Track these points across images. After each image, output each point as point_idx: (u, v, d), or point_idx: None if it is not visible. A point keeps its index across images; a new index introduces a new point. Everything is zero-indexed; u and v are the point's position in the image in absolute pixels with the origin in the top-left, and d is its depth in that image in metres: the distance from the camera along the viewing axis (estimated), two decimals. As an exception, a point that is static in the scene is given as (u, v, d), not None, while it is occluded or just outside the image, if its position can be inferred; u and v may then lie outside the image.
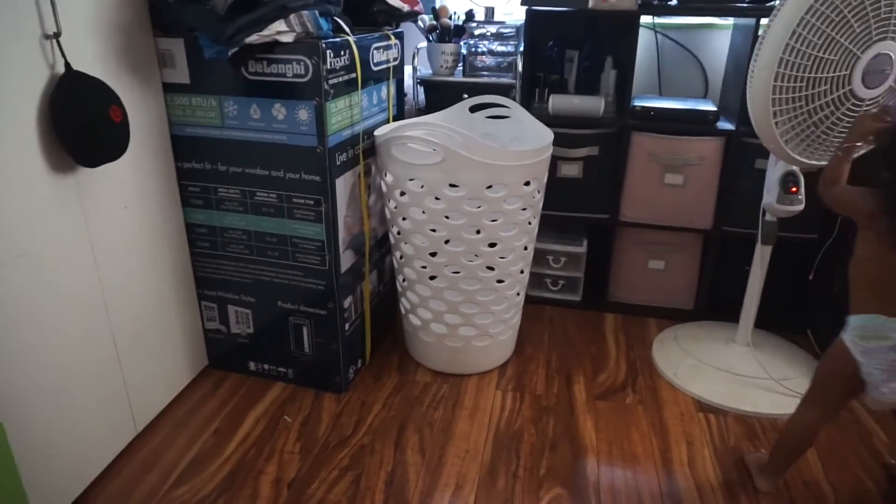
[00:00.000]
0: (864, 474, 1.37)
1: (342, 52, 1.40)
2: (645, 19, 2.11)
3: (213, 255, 1.57)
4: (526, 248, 1.64)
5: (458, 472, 1.34)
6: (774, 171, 1.59)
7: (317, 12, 1.40)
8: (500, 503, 1.27)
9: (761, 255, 1.67)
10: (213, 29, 1.28)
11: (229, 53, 1.28)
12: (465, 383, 1.65)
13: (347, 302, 1.58)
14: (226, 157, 1.46)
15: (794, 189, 1.58)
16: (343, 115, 1.45)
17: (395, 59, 1.73)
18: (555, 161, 1.90)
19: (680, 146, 1.84)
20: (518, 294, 1.69)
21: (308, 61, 1.32)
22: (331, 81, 1.37)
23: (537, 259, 2.04)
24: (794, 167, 1.54)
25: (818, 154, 1.40)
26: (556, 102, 1.92)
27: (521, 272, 1.66)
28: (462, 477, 1.33)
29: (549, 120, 1.85)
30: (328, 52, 1.34)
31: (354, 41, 1.45)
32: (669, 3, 1.88)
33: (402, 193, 1.54)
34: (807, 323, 1.92)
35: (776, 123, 1.31)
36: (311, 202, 1.45)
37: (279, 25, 1.32)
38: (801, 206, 1.58)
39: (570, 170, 1.93)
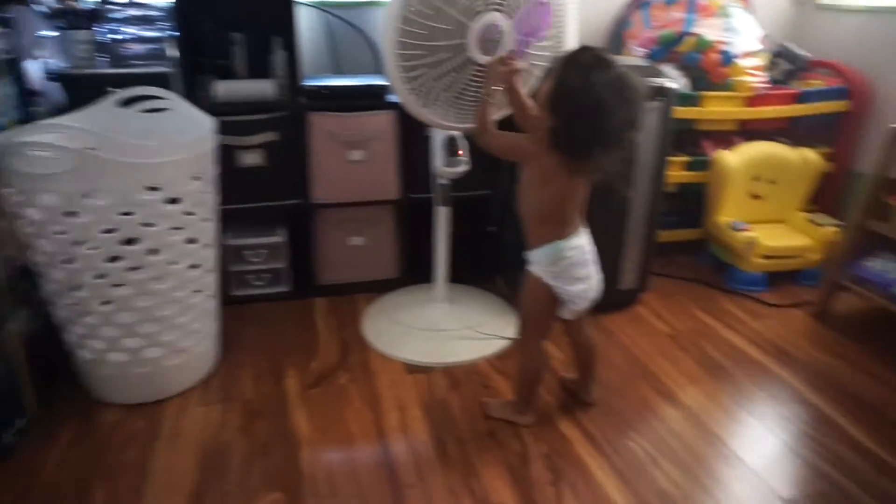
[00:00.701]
0: (544, 390, 1.56)
1: None
2: (309, -2, 2.08)
3: None
4: (207, 248, 1.51)
5: (159, 512, 1.20)
6: (437, 137, 1.70)
7: None
8: (212, 529, 1.17)
9: (441, 216, 1.79)
10: None
11: None
12: (163, 409, 1.48)
13: (-13, 353, 1.29)
14: None
15: (458, 152, 1.71)
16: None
17: (6, 52, 1.43)
18: (231, 151, 1.79)
19: (356, 122, 1.86)
20: (208, 298, 1.56)
21: None
22: None
23: (236, 257, 1.92)
24: (454, 132, 1.66)
25: (460, 117, 1.51)
26: (223, 89, 1.80)
27: (207, 274, 1.53)
28: (165, 515, 1.20)
29: (219, 109, 1.72)
30: None
31: (-79, 31, 1.15)
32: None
33: (37, 211, 1.29)
34: (496, 270, 2.14)
35: (410, 90, 1.38)
36: None
37: None
38: (466, 167, 1.72)
39: (252, 158, 1.84)
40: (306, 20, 2.13)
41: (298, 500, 1.24)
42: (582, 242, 1.35)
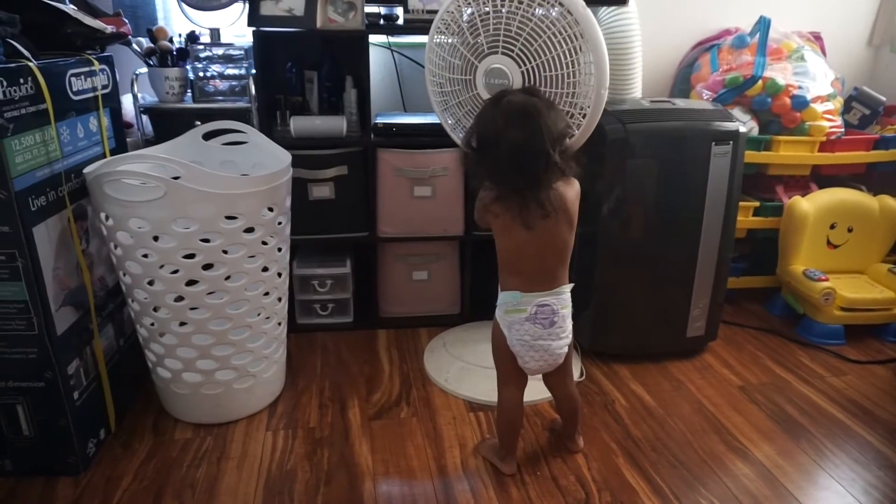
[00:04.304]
0: (609, 438, 1.51)
1: (22, 80, 1.20)
2: (381, 38, 2.16)
3: None
4: (280, 276, 1.56)
5: (224, 535, 1.22)
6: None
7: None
8: (274, 556, 1.17)
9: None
10: None
11: None
12: (231, 431, 1.51)
13: (73, 367, 1.35)
14: None
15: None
16: (35, 152, 1.24)
17: (104, 87, 1.54)
18: (304, 184, 1.85)
19: (423, 159, 1.90)
20: (279, 325, 1.60)
21: (-30, 91, 1.11)
22: (7, 114, 1.16)
23: (302, 286, 1.97)
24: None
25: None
26: (298, 124, 1.87)
27: (279, 301, 1.57)
28: (229, 538, 1.21)
29: (294, 142, 1.80)
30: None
31: (38, 66, 1.25)
32: (396, 22, 1.95)
33: (127, 235, 1.36)
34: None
35: (442, 110, 1.58)
36: (3, 258, 1.21)
37: (-78, 49, 1.09)
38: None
39: (322, 191, 1.89)
40: (375, 59, 2.20)
41: (359, 533, 1.23)
42: (536, 302, 1.29)
